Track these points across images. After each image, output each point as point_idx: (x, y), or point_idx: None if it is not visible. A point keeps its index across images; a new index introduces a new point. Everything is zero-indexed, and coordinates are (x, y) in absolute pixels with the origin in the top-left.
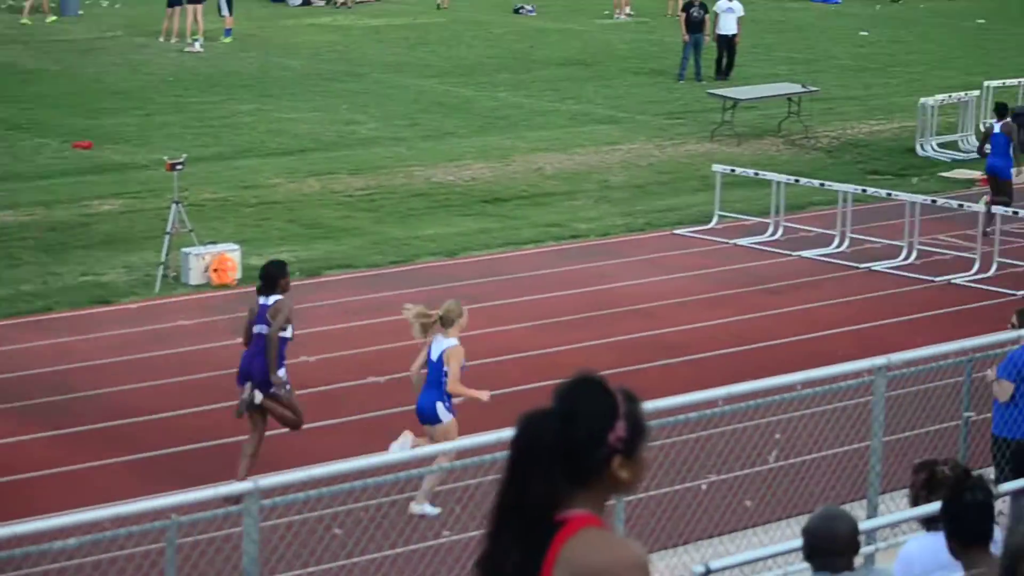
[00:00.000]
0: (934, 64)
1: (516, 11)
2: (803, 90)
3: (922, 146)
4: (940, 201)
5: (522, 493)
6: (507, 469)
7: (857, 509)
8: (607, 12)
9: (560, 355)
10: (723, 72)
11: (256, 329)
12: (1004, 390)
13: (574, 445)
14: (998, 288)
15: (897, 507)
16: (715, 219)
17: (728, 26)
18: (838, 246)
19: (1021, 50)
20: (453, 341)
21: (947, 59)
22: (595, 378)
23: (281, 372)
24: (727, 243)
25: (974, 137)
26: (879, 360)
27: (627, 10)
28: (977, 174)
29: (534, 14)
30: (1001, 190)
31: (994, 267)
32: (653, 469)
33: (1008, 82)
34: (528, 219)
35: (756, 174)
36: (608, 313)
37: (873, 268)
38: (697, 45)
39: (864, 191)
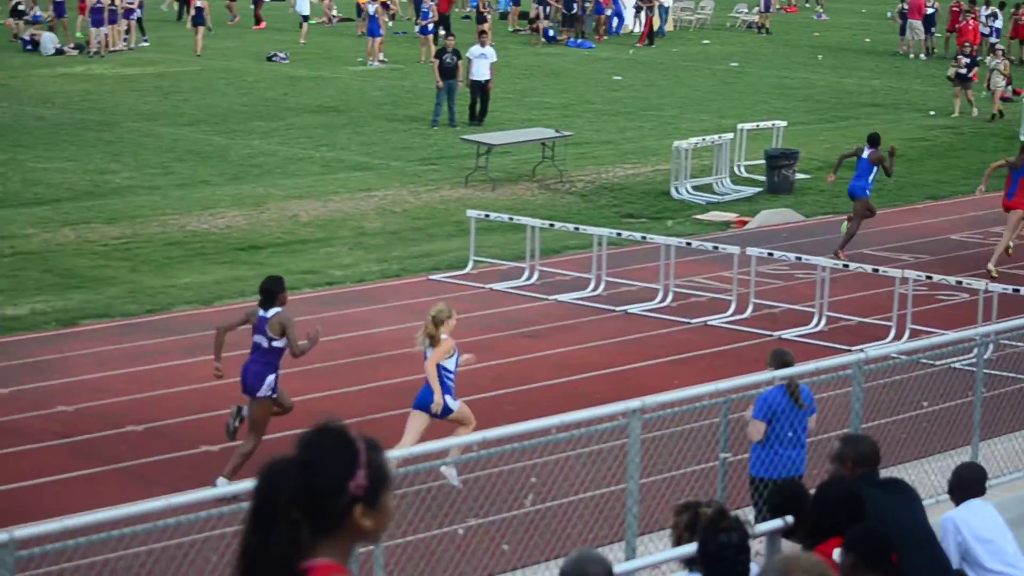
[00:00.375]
0: (688, 107)
1: (269, 59)
2: (557, 135)
3: (676, 189)
4: (695, 243)
5: (264, 542)
6: (249, 518)
7: (616, 551)
8: (360, 59)
9: (317, 402)
10: (477, 118)
11: (255, 339)
12: (757, 430)
13: (314, 494)
14: (754, 329)
15: (656, 548)
16: (470, 264)
17: (481, 72)
18: (594, 289)
19: (774, 92)
20: (443, 337)
21: (701, 102)
22: (337, 426)
23: (270, 378)
24: (483, 288)
25: (728, 180)
26: (633, 403)
27: (380, 56)
28: (732, 216)
29: (287, 61)
30: (866, 208)
31: (750, 308)
32: (410, 515)
33: (762, 124)
34: (283, 266)
35: (511, 219)
36: (365, 359)
37: (629, 311)
38: (451, 91)
39: (619, 234)
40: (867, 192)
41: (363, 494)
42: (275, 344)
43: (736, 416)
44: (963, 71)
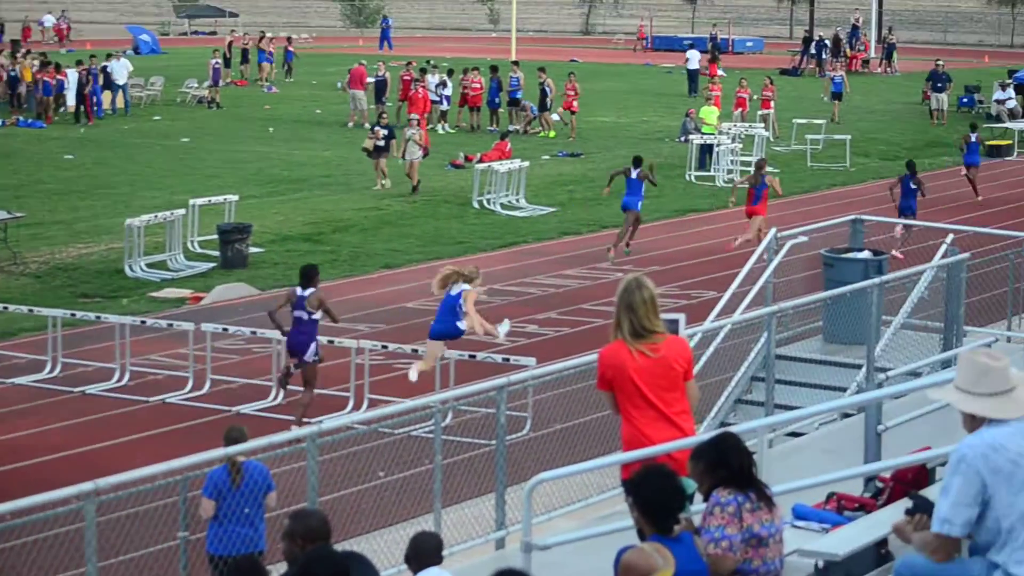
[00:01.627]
0: (140, 184)
1: None
2: (8, 216)
3: (131, 267)
4: (150, 321)
5: None
6: None
7: None
8: None
9: None
10: None
11: (296, 314)
12: (207, 508)
13: None
14: (213, 405)
15: None
16: None
17: None
18: (50, 371)
19: (227, 167)
20: (467, 286)
21: (153, 179)
22: None
23: (313, 345)
24: None
25: (182, 256)
26: (87, 486)
27: None
28: (187, 292)
29: None
30: (637, 220)
31: (208, 384)
32: None
33: (214, 199)
34: None
35: None
36: None
37: (87, 392)
38: None
39: (73, 315)
40: (639, 205)
41: None
42: (313, 317)
43: (195, 494)
44: (380, 143)
